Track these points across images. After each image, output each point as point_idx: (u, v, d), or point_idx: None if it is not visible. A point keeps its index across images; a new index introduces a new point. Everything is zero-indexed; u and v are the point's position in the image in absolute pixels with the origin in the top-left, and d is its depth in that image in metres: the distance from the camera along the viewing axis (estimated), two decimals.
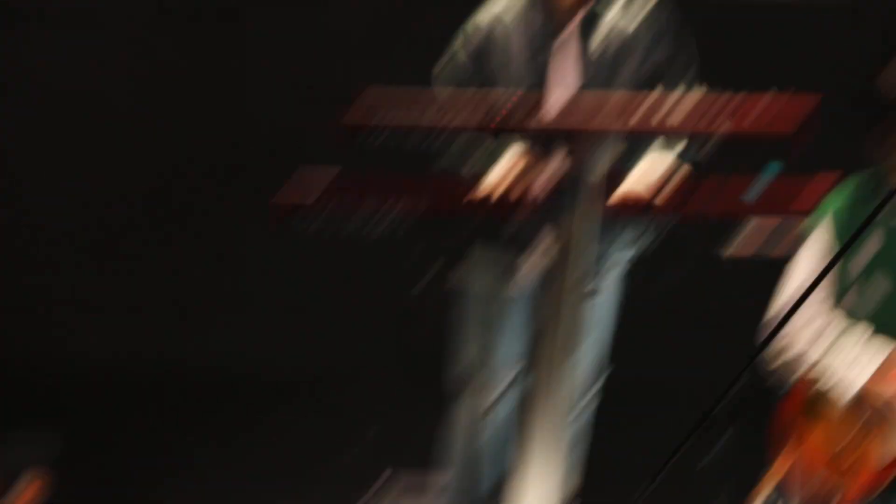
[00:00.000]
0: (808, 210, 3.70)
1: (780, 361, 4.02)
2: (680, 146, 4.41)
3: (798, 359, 3.98)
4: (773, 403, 4.02)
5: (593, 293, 4.22)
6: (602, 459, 5.43)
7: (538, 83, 4.54)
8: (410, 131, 3.69)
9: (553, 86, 4.54)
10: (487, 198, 3.89)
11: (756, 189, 3.68)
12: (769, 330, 4.54)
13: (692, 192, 3.75)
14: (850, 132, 4.17)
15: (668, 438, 3.52)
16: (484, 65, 4.58)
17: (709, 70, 4.59)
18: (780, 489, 4.04)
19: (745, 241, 4.69)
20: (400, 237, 3.92)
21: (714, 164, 3.82)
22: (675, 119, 3.67)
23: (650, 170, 4.32)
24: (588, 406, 4.78)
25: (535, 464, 3.99)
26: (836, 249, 3.96)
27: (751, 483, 4.62)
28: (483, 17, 4.64)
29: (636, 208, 3.86)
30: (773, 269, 4.80)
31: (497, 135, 3.86)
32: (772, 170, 3.92)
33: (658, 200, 3.77)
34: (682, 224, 3.82)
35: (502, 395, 4.69)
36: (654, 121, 3.69)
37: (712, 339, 6.16)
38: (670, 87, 4.53)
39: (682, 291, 4.12)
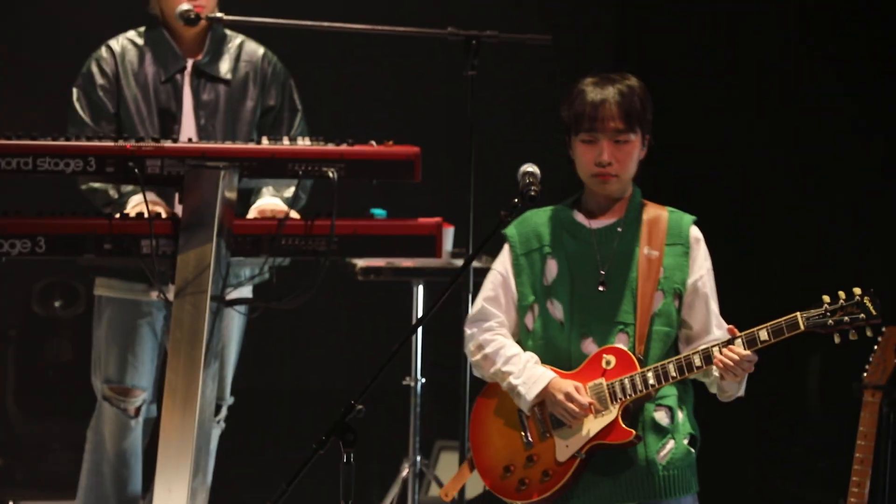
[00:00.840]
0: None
1: (472, 363, 4.13)
2: (297, 183, 4.62)
3: (483, 364, 4.07)
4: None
5: (226, 306, 4.40)
6: (242, 466, 5.65)
7: (164, 118, 4.75)
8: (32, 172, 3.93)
9: (178, 121, 4.76)
10: (124, 220, 4.14)
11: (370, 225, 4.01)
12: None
13: (312, 223, 4.07)
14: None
15: (306, 444, 3.73)
16: (112, 97, 4.76)
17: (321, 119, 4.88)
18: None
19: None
20: (35, 259, 4.08)
21: (329, 199, 4.05)
22: (292, 157, 3.99)
23: (273, 200, 4.61)
24: (223, 416, 4.94)
25: (173, 467, 4.18)
26: (514, 270, 4.05)
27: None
28: (112, 49, 4.80)
29: (263, 231, 4.16)
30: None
31: (130, 166, 4.04)
32: (379, 213, 4.23)
33: (281, 227, 4.06)
34: (308, 246, 4.08)
35: (146, 400, 4.84)
36: (272, 157, 4.01)
37: (346, 349, 6.49)
38: (284, 130, 4.77)
39: (314, 305, 4.33)
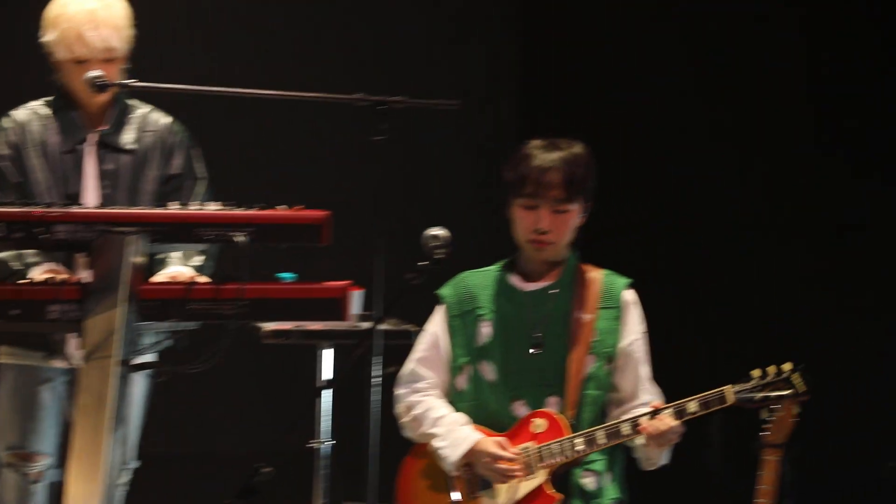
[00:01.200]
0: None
1: (401, 424, 4.17)
2: (205, 248, 4.68)
3: (411, 425, 4.12)
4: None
5: (133, 371, 4.40)
6: None
7: (68, 187, 4.74)
8: None
9: (82, 191, 4.76)
10: (31, 286, 4.11)
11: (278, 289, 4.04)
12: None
13: (219, 287, 4.09)
14: None
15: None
16: (15, 167, 4.74)
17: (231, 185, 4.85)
18: None
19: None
20: None
21: (236, 263, 4.06)
22: (200, 222, 4.02)
23: (181, 265, 4.64)
24: (127, 479, 4.92)
25: None
26: (448, 331, 4.11)
27: None
28: (15, 119, 4.79)
29: (170, 296, 4.18)
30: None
31: (38, 231, 4.03)
32: (287, 277, 4.25)
33: (189, 292, 4.07)
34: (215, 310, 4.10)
35: (49, 465, 4.81)
36: (181, 222, 4.04)
37: (252, 412, 6.48)
38: (185, 198, 4.76)
39: (220, 369, 4.35)
